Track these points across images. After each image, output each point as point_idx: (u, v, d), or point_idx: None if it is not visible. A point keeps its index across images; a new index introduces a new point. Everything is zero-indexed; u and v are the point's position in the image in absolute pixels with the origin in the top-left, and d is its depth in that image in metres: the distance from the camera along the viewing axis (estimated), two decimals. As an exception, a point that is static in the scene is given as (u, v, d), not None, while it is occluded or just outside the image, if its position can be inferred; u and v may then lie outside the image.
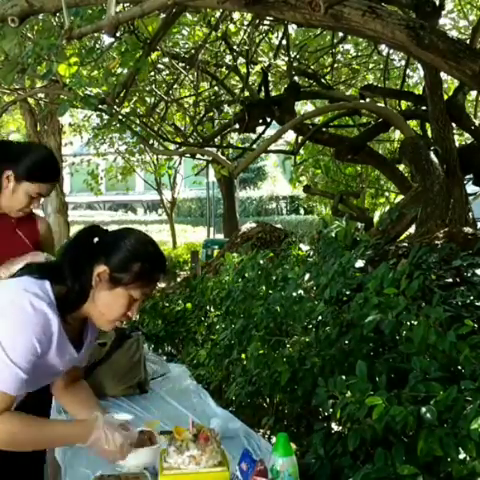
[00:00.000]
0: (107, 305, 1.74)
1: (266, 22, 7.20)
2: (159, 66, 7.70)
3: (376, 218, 9.27)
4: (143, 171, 16.49)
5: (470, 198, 6.16)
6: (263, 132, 8.13)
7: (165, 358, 4.19)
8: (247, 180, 28.35)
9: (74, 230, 8.16)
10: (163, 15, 5.46)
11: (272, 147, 7.61)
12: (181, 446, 1.94)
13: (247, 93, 7.56)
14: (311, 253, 4.27)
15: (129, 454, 1.83)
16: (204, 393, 3.17)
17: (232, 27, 7.23)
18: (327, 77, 8.28)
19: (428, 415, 1.89)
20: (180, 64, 7.43)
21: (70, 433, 1.77)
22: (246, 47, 7.21)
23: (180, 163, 14.28)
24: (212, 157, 7.13)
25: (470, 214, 5.57)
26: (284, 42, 7.31)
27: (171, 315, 4.86)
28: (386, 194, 11.60)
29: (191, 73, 7.77)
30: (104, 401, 2.72)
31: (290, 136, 10.43)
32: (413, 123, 7.75)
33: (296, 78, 7.63)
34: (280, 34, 7.62)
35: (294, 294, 3.19)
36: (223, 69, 8.13)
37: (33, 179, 2.38)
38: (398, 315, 2.37)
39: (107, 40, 6.59)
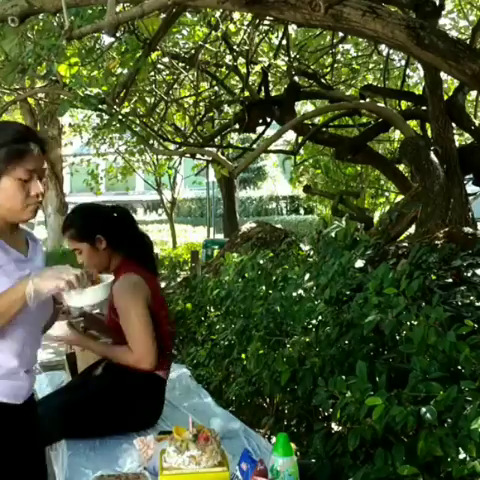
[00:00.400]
0: (6, 198, 1.78)
1: (266, 22, 7.19)
2: (159, 66, 7.69)
3: (376, 218, 9.27)
4: (143, 171, 16.48)
5: (470, 198, 6.16)
6: (263, 132, 8.13)
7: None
8: (247, 180, 28.31)
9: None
10: (163, 15, 5.46)
11: (272, 147, 7.61)
12: (181, 446, 1.94)
13: (247, 93, 7.56)
14: (311, 253, 4.28)
15: (75, 294, 1.76)
16: (204, 393, 3.18)
17: (232, 27, 7.22)
18: (327, 77, 8.27)
19: (428, 415, 1.89)
20: (180, 64, 7.43)
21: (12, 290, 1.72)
22: (246, 47, 7.20)
23: (180, 163, 14.27)
24: (212, 157, 7.12)
25: (470, 214, 5.57)
26: (284, 42, 7.31)
27: (171, 315, 4.86)
28: (386, 194, 11.60)
29: (191, 73, 7.77)
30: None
31: (290, 136, 10.43)
32: (413, 123, 7.75)
33: (296, 78, 7.63)
34: (280, 34, 7.62)
35: (294, 294, 3.19)
36: (223, 69, 8.13)
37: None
38: (398, 315, 2.37)
39: (107, 40, 6.59)
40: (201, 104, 8.36)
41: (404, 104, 7.77)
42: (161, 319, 2.75)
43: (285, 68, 7.94)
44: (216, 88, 8.37)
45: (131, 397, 2.63)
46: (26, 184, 1.80)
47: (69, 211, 3.03)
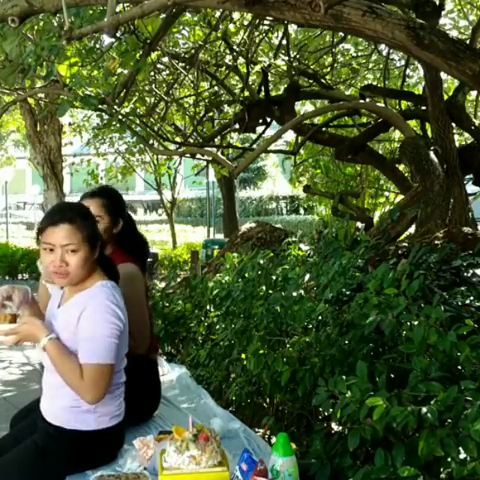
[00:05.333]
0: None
1: (266, 22, 7.19)
2: (159, 66, 7.69)
3: (376, 218, 9.26)
4: (143, 171, 16.47)
5: (470, 198, 6.16)
6: (263, 132, 8.13)
7: (165, 358, 4.19)
8: (247, 180, 28.31)
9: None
10: (163, 15, 5.46)
11: (272, 147, 7.61)
12: (181, 446, 1.94)
13: (247, 93, 7.56)
14: (311, 253, 4.27)
15: None
16: (204, 393, 3.18)
17: (232, 27, 7.22)
18: (327, 77, 8.27)
19: (429, 415, 1.89)
20: (180, 64, 7.43)
21: None
22: (246, 47, 7.20)
23: (180, 163, 14.27)
24: (212, 157, 7.12)
25: (470, 214, 5.57)
26: (284, 42, 7.31)
27: (171, 315, 4.85)
28: (386, 194, 11.60)
29: (191, 73, 7.76)
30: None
31: (290, 136, 10.43)
32: (413, 123, 7.75)
33: (296, 78, 7.63)
34: (280, 34, 7.62)
35: (294, 294, 3.18)
36: (223, 69, 8.13)
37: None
38: (398, 315, 2.37)
39: (107, 40, 6.59)
40: (201, 104, 8.36)
41: (404, 104, 7.77)
42: (149, 307, 2.93)
43: (285, 68, 7.94)
44: (216, 88, 8.37)
45: (133, 382, 2.64)
46: (51, 253, 2.18)
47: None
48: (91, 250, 2.21)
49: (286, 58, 7.49)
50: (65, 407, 2.21)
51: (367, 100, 6.72)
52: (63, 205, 2.47)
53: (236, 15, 6.84)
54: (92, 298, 2.19)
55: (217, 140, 8.49)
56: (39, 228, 2.25)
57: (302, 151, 9.47)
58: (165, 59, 7.42)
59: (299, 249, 4.66)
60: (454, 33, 8.12)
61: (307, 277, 3.39)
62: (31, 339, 2.22)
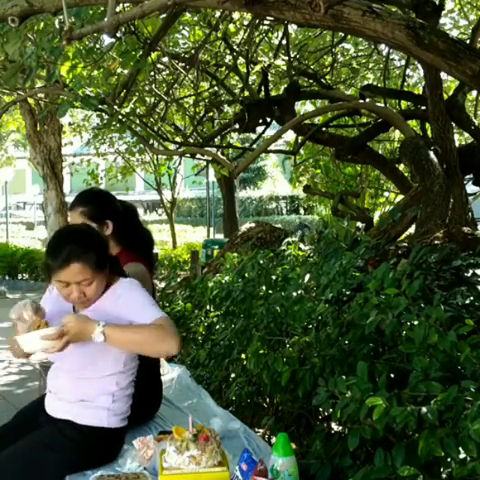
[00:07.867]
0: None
1: (266, 22, 7.19)
2: (159, 66, 7.70)
3: (376, 218, 9.26)
4: (143, 171, 16.48)
5: (470, 198, 6.16)
6: (263, 132, 8.14)
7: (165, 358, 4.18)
8: (247, 180, 28.31)
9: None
10: (163, 15, 5.46)
11: (272, 147, 7.62)
12: (181, 446, 1.94)
13: (247, 93, 7.56)
14: (311, 253, 4.27)
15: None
16: (204, 393, 3.18)
17: (232, 27, 7.22)
18: (327, 77, 8.27)
19: (429, 415, 1.88)
20: (180, 64, 7.43)
21: None
22: (246, 47, 7.20)
23: (180, 163, 14.27)
24: (212, 157, 7.13)
25: (470, 214, 5.58)
26: (284, 42, 7.31)
27: (171, 315, 4.85)
28: (386, 194, 11.61)
29: (191, 73, 7.77)
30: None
31: (290, 136, 10.43)
32: (413, 123, 7.75)
33: (296, 78, 7.63)
34: (280, 34, 7.62)
35: (294, 294, 3.18)
36: (223, 69, 8.13)
37: None
38: (399, 315, 2.36)
39: (107, 40, 6.59)
40: (201, 104, 8.37)
41: (404, 104, 7.77)
42: None
43: (285, 68, 7.94)
44: (216, 88, 8.37)
45: (136, 383, 2.65)
46: (67, 287, 2.16)
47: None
48: (103, 271, 2.21)
49: (286, 58, 7.49)
50: (78, 402, 2.25)
51: (367, 100, 6.72)
52: (65, 237, 2.25)
53: (236, 15, 6.84)
54: (122, 286, 2.26)
55: (217, 140, 8.50)
56: (47, 266, 2.20)
57: (302, 151, 9.48)
58: (165, 59, 7.42)
59: (299, 249, 4.66)
60: (454, 33, 8.13)
61: (307, 277, 3.39)
62: (80, 336, 2.06)
